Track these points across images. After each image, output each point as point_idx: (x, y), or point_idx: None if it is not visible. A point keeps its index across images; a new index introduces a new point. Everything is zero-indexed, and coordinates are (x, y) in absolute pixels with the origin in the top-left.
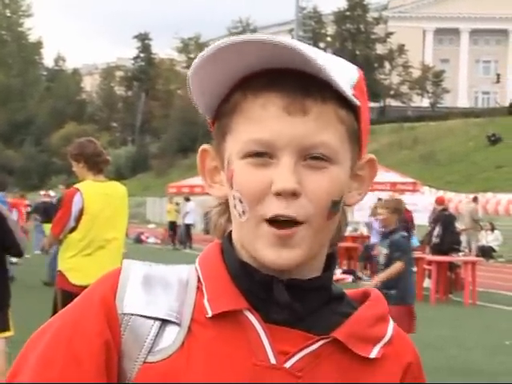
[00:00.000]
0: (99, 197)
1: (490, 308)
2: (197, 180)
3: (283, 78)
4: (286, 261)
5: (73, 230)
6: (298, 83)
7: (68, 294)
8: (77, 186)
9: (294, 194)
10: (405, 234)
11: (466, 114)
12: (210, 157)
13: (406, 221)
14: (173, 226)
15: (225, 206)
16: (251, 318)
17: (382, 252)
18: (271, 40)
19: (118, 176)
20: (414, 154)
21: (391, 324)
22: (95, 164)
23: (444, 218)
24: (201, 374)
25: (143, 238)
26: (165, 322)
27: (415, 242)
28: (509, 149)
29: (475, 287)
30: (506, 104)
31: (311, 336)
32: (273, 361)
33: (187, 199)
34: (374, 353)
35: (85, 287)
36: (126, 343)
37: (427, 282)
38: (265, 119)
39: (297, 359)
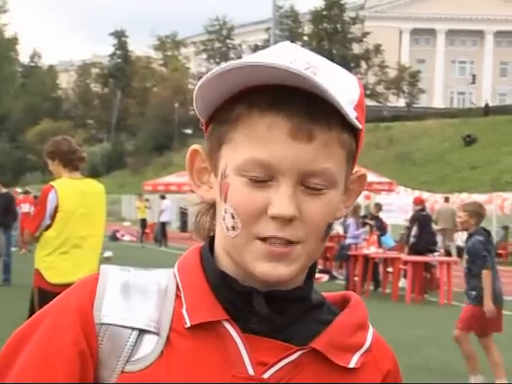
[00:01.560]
0: (74, 194)
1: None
2: (172, 178)
3: (289, 98)
4: (279, 275)
5: (48, 227)
6: (305, 107)
7: (45, 293)
8: (52, 183)
9: (290, 219)
10: (480, 238)
11: (442, 114)
12: (199, 157)
13: (381, 221)
14: (143, 223)
15: (209, 205)
16: (230, 328)
17: (464, 257)
18: (276, 65)
19: (94, 173)
20: (390, 154)
21: (371, 331)
22: (70, 161)
23: (421, 218)
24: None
25: (118, 235)
26: (143, 331)
27: (390, 241)
28: (484, 150)
29: (450, 287)
30: (482, 105)
31: (290, 346)
32: (251, 372)
33: (163, 197)
34: (353, 362)
35: (61, 285)
36: (104, 352)
37: (403, 282)
38: (269, 141)
39: (275, 370)
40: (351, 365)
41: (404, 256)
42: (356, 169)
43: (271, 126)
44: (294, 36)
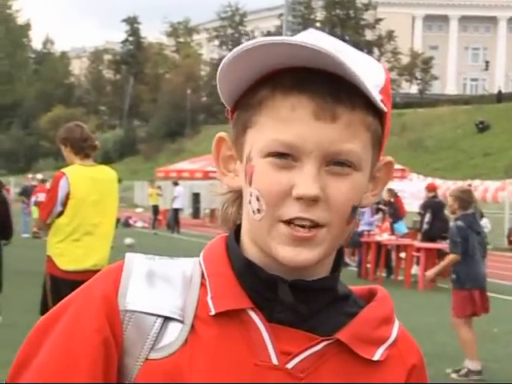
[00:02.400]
0: (86, 181)
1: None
2: (184, 164)
3: (313, 79)
4: (304, 259)
5: (60, 214)
6: (329, 87)
7: (57, 279)
8: (63, 170)
9: (314, 200)
10: (460, 223)
11: (455, 101)
12: (225, 145)
13: (395, 208)
14: (155, 210)
15: (236, 195)
16: (254, 317)
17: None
18: (304, 43)
19: (106, 160)
20: (402, 141)
21: (396, 325)
22: (81, 149)
23: (434, 205)
24: (203, 372)
25: (131, 222)
26: (168, 319)
27: (403, 228)
28: (497, 136)
29: None
30: (495, 91)
31: (315, 337)
32: (275, 361)
33: (175, 183)
34: (377, 355)
35: (73, 272)
36: (128, 340)
37: (415, 269)
38: (293, 121)
39: (299, 360)
40: (376, 357)
41: (417, 243)
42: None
43: (294, 106)
44: (306, 22)
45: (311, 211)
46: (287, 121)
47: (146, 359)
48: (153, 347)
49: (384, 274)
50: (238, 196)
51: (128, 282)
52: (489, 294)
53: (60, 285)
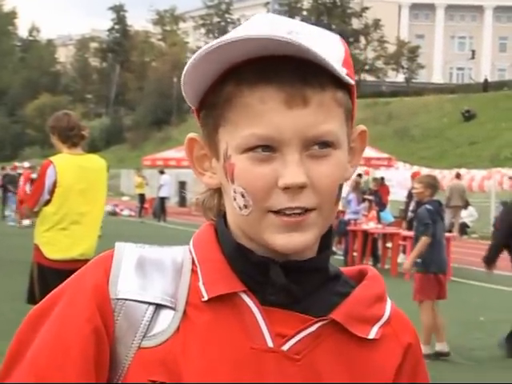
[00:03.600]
0: (73, 169)
1: (464, 284)
2: (171, 153)
3: (277, 66)
4: (297, 244)
5: (47, 203)
6: (294, 72)
7: (44, 268)
8: (51, 158)
9: (301, 187)
10: (429, 207)
11: (441, 89)
12: (197, 145)
13: (380, 196)
14: (142, 198)
15: (213, 190)
16: (247, 300)
17: (414, 224)
18: (258, 36)
19: (92, 148)
20: (389, 130)
21: (389, 303)
22: (68, 138)
23: None
24: (197, 358)
25: (117, 210)
26: (159, 306)
27: (389, 217)
28: (483, 125)
29: (450, 263)
30: (481, 80)
31: (309, 318)
32: (270, 344)
33: (162, 172)
34: (372, 333)
35: (60, 261)
36: (120, 328)
37: (402, 258)
38: (265, 114)
39: (294, 342)
40: (371, 336)
41: (403, 231)
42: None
43: (263, 98)
44: (292, 11)
45: (299, 199)
46: (259, 114)
47: (139, 347)
48: (145, 335)
49: (370, 263)
50: (214, 191)
51: (119, 271)
52: (475, 282)
53: (47, 274)
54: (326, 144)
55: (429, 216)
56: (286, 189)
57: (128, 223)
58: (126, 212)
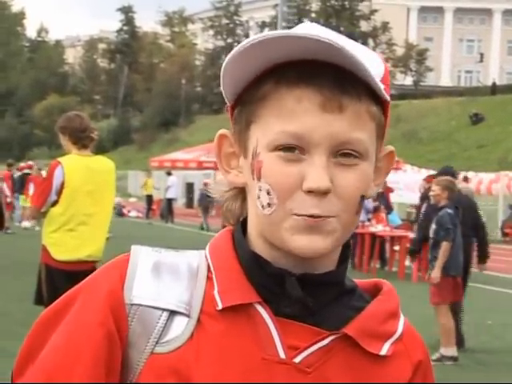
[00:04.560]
0: (81, 171)
1: (471, 287)
2: (178, 154)
3: (317, 71)
4: (318, 248)
5: (55, 203)
6: (334, 78)
7: (51, 269)
8: (59, 159)
9: (325, 192)
10: (450, 211)
11: (449, 92)
12: (227, 142)
13: (386, 198)
14: (149, 199)
15: (237, 191)
16: (262, 311)
17: (432, 226)
18: (310, 36)
19: (100, 149)
20: (397, 132)
21: (402, 320)
22: (79, 139)
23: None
24: (209, 366)
25: (125, 211)
26: (173, 313)
27: (397, 219)
28: (491, 128)
29: None
30: (489, 83)
31: (322, 331)
32: (282, 355)
33: (169, 173)
34: (384, 350)
35: (68, 262)
36: (134, 333)
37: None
38: (299, 113)
39: (306, 354)
40: (382, 352)
41: (411, 234)
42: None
43: (301, 98)
44: (301, 13)
45: (321, 205)
46: (293, 113)
47: (152, 353)
48: (158, 341)
49: (378, 266)
50: (239, 192)
51: (134, 275)
52: (483, 286)
53: (54, 274)
54: (355, 153)
55: (450, 220)
56: (309, 192)
57: (135, 225)
58: (133, 213)
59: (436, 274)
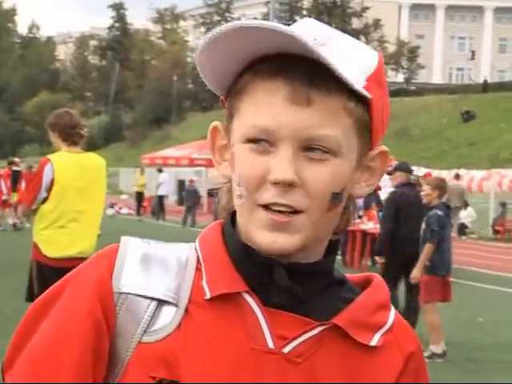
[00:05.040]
0: (71, 167)
1: (462, 284)
2: (170, 151)
3: (292, 65)
4: (281, 246)
5: (45, 200)
6: (305, 72)
7: (42, 266)
8: (49, 156)
9: (290, 185)
10: (439, 212)
11: (441, 90)
12: (220, 134)
13: (378, 195)
14: (140, 196)
15: (230, 184)
16: (250, 301)
17: (422, 225)
18: (276, 28)
19: (91, 146)
20: (388, 130)
21: (392, 311)
22: (68, 136)
23: None
24: (197, 356)
25: (116, 208)
26: (161, 302)
27: None
28: (482, 126)
29: None
30: (480, 81)
31: (311, 321)
32: (271, 345)
33: (160, 170)
34: (374, 340)
35: (59, 259)
36: (122, 322)
37: None
38: (269, 106)
39: (296, 344)
40: (372, 343)
41: None
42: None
43: (270, 91)
44: (293, 10)
45: (288, 196)
46: (263, 106)
47: (139, 342)
48: (146, 330)
49: (369, 263)
50: (230, 185)
51: (123, 265)
52: (474, 283)
53: (46, 272)
54: (323, 149)
55: (437, 223)
56: (276, 184)
57: (126, 222)
58: (124, 210)
59: (416, 273)
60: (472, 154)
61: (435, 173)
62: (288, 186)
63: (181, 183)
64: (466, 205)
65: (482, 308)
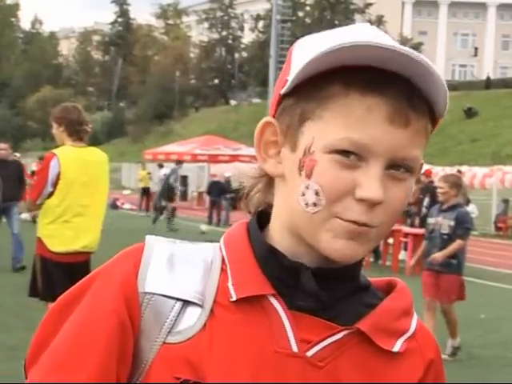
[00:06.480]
0: (76, 162)
1: (465, 281)
2: (172, 147)
3: (389, 81)
4: (353, 254)
5: (50, 195)
6: (405, 91)
7: (46, 261)
8: (54, 150)
9: (376, 203)
10: (468, 210)
11: None
12: (271, 130)
13: None
14: (146, 192)
15: (268, 180)
16: (275, 303)
17: (445, 224)
18: (390, 47)
19: (94, 141)
20: None
21: (415, 318)
22: (75, 132)
23: (432, 190)
24: (222, 357)
25: (119, 203)
26: (186, 303)
27: None
28: (485, 123)
29: None
30: (483, 78)
31: (335, 326)
32: (295, 349)
33: (161, 166)
34: (397, 346)
35: (63, 254)
36: (146, 322)
37: (403, 254)
38: (368, 122)
39: (319, 348)
40: (395, 349)
41: (405, 228)
42: None
43: (371, 107)
44: (296, 6)
45: (369, 214)
46: (362, 121)
47: (164, 343)
48: (170, 331)
49: (372, 259)
50: (269, 181)
51: (148, 265)
52: (476, 280)
53: (50, 266)
54: (408, 168)
55: (470, 220)
56: (361, 201)
57: (129, 217)
58: (127, 205)
59: (439, 257)
60: (474, 150)
61: (438, 169)
62: (373, 204)
63: (183, 179)
64: (468, 201)
65: (484, 305)
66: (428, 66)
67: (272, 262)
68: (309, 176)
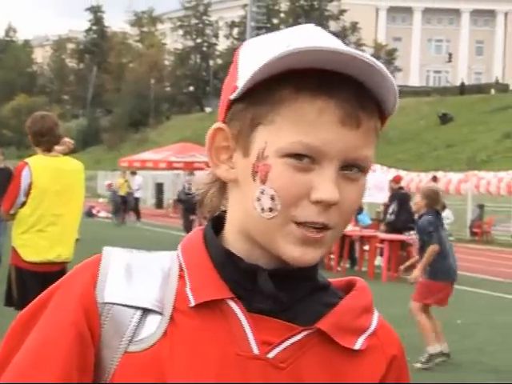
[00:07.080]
0: (48, 171)
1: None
2: (148, 154)
3: (339, 83)
4: (310, 259)
5: (23, 204)
6: (355, 93)
7: (21, 271)
8: (26, 160)
9: (332, 204)
10: (428, 216)
11: (418, 92)
12: (222, 135)
13: None
14: (124, 200)
15: (221, 185)
16: (234, 307)
17: (416, 238)
18: (345, 51)
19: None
20: None
21: (376, 315)
22: (39, 143)
23: (400, 197)
24: (184, 363)
25: (94, 211)
26: (146, 311)
27: (367, 219)
28: (459, 128)
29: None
30: (458, 83)
31: (295, 326)
32: (255, 351)
33: (133, 173)
34: (358, 344)
35: (37, 263)
36: (107, 332)
37: (379, 260)
38: (319, 125)
39: (280, 350)
40: (356, 347)
41: (380, 234)
42: None
43: (322, 110)
44: (270, 13)
45: (325, 215)
46: (313, 124)
47: (125, 352)
48: (131, 340)
49: (348, 265)
50: (222, 186)
51: (106, 275)
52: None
53: (24, 276)
54: (360, 168)
55: (429, 225)
56: (317, 203)
57: (104, 225)
58: (102, 213)
59: (416, 273)
60: (449, 156)
61: (413, 175)
62: (329, 205)
63: (159, 186)
64: (443, 207)
65: (460, 310)
66: (375, 65)
67: (229, 266)
68: (263, 181)
